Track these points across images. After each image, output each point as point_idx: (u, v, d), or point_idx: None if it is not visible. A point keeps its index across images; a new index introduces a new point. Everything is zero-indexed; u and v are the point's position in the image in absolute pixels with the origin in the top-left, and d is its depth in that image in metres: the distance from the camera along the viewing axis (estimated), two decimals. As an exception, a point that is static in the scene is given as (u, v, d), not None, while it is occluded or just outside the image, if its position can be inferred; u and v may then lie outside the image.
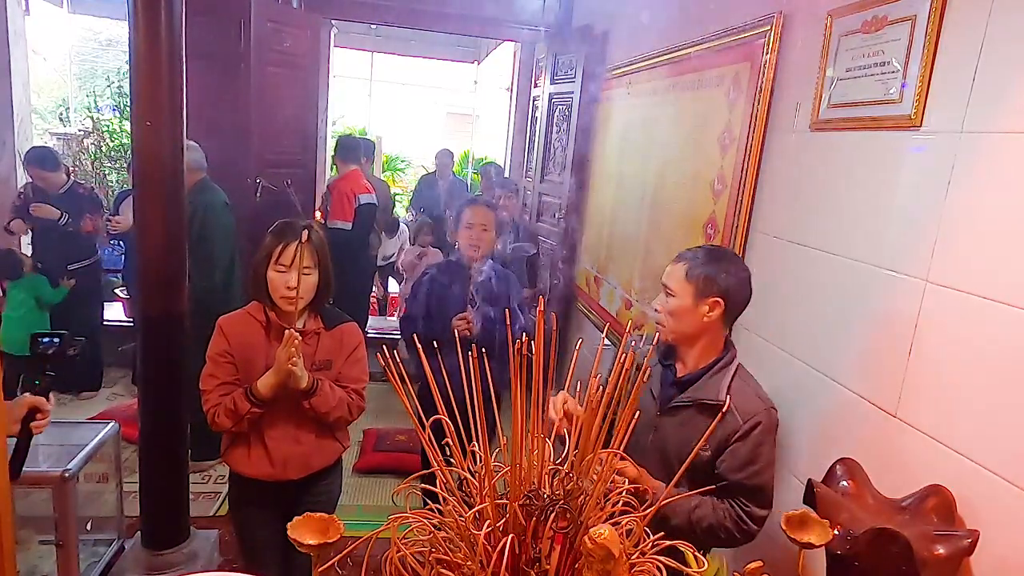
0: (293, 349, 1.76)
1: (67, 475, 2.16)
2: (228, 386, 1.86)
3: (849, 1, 1.70)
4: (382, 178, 7.46)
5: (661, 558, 0.94)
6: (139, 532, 2.52)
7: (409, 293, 2.66)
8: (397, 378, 1.03)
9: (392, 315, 6.01)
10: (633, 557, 0.94)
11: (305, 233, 1.83)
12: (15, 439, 1.50)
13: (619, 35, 3.73)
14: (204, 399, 1.86)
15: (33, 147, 4.19)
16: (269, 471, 1.91)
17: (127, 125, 6.00)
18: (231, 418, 1.82)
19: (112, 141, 6.63)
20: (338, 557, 0.92)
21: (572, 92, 4.09)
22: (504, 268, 2.72)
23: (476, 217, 2.58)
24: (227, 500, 2.64)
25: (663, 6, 2.90)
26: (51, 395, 1.60)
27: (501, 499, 0.96)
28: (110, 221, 4.15)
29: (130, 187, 4.37)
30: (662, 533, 0.97)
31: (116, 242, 4.92)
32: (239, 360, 1.88)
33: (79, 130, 6.79)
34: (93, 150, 6.50)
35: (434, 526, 0.99)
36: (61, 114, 7.42)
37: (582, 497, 0.95)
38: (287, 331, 1.77)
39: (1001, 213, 1.25)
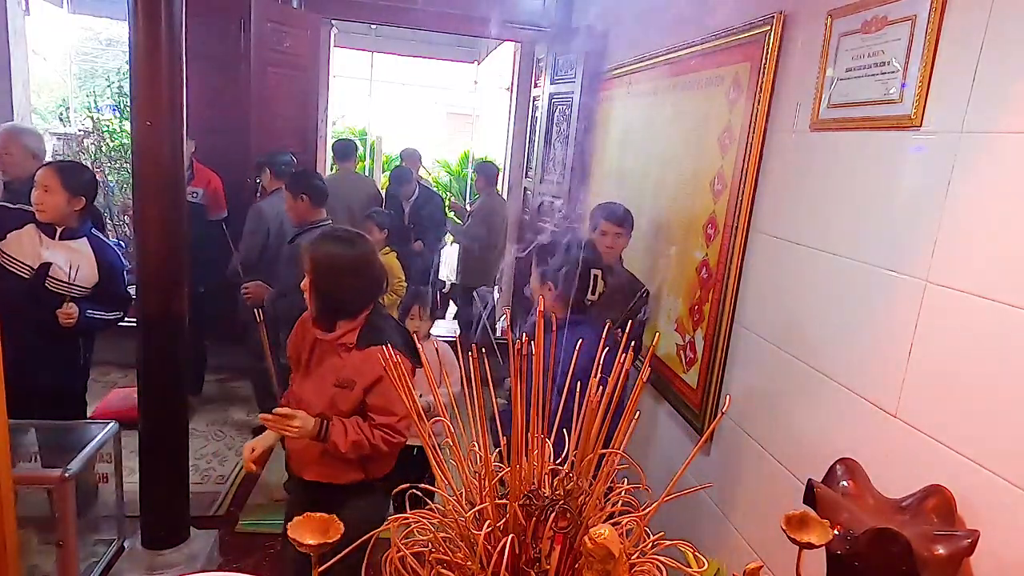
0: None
1: (67, 475, 2.15)
2: None
3: (849, 1, 1.70)
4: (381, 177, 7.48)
5: (661, 558, 0.94)
6: (139, 532, 2.52)
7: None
8: (397, 379, 1.03)
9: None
10: (633, 557, 0.94)
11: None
12: None
13: (619, 35, 3.72)
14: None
15: None
16: (288, 463, 2.02)
17: (127, 125, 5.99)
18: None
19: (112, 141, 6.62)
20: (338, 557, 0.92)
21: (572, 92, 4.08)
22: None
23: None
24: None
25: (663, 6, 2.89)
26: None
27: (501, 499, 0.96)
28: None
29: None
30: (662, 533, 0.97)
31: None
32: None
33: (79, 130, 6.77)
34: (93, 150, 6.48)
35: (434, 526, 0.99)
36: (61, 114, 7.41)
37: (582, 497, 0.95)
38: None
39: (1001, 213, 1.25)
